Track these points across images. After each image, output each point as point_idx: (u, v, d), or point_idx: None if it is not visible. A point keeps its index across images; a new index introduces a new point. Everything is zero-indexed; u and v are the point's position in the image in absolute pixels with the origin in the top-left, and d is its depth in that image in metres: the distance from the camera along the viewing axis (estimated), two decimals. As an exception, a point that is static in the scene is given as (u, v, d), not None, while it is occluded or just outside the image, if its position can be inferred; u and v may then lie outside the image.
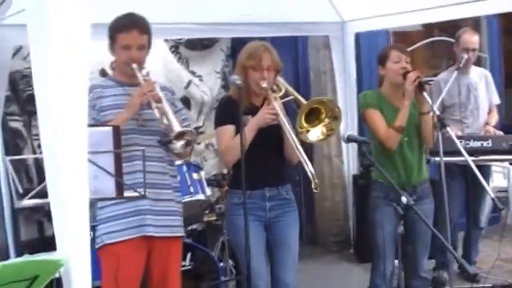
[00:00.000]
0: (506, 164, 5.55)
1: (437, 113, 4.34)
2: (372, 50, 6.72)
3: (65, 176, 2.41)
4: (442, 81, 5.70)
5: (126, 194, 3.21)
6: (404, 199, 3.51)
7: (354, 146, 6.31)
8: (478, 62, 6.62)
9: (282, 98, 4.01)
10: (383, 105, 4.45)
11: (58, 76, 2.38)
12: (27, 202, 4.48)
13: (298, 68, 7.47)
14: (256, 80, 3.89)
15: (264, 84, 3.87)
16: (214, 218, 5.59)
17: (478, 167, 4.37)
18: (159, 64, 6.38)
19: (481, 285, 5.54)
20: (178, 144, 3.61)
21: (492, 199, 4.30)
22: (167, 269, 3.79)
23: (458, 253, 5.90)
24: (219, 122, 4.02)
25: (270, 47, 3.98)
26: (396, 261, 4.43)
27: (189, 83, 6.77)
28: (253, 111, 3.94)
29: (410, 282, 4.50)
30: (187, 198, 5.00)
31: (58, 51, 2.37)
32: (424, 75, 4.34)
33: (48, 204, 2.52)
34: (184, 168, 5.12)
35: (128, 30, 3.65)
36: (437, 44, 7.93)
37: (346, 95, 6.84)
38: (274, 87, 4.01)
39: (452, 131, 4.80)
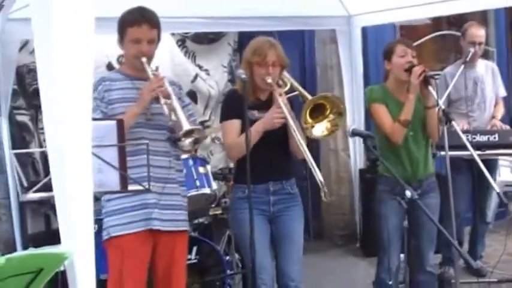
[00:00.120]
0: (513, 158, 5.54)
1: (443, 107, 4.33)
2: (379, 44, 6.68)
3: (69, 169, 2.43)
4: (448, 75, 5.69)
5: (131, 187, 3.21)
6: (408, 193, 3.50)
7: (360, 140, 6.23)
8: (485, 56, 6.60)
9: (287, 93, 4.01)
10: (388, 100, 4.44)
11: (62, 70, 2.40)
12: (32, 195, 4.49)
13: (304, 62, 7.47)
14: (261, 76, 3.89)
15: (269, 80, 3.87)
16: (220, 211, 5.60)
17: (485, 161, 4.36)
18: (166, 58, 6.38)
19: (487, 279, 5.53)
20: (187, 142, 3.63)
21: (497, 193, 4.29)
22: (172, 263, 3.80)
23: (464, 247, 5.91)
24: (225, 116, 4.02)
25: (276, 42, 3.99)
26: (402, 256, 4.44)
27: (196, 76, 6.77)
28: (259, 105, 3.96)
29: (416, 276, 4.50)
30: (193, 192, 4.99)
31: (62, 45, 2.39)
32: (433, 69, 4.34)
33: (54, 197, 2.53)
34: (191, 162, 5.11)
35: (139, 25, 3.65)
36: (446, 38, 7.90)
37: (352, 89, 6.83)
38: (280, 82, 4.02)
39: (458, 125, 4.78)
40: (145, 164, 3.38)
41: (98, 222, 3.98)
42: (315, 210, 7.25)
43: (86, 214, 2.45)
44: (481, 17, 7.73)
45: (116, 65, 5.82)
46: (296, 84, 4.07)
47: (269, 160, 3.93)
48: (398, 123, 4.30)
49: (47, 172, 5.40)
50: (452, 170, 4.42)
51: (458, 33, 5.95)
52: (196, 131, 3.63)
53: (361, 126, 6.50)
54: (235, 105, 3.89)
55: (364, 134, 3.95)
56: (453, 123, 4.24)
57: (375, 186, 4.57)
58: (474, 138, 5.14)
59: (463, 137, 4.28)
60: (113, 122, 3.17)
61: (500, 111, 5.84)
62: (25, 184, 4.87)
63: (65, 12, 2.37)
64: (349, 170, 7.09)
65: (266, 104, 3.96)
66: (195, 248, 4.93)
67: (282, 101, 3.83)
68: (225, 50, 7.10)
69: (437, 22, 7.82)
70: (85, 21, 2.43)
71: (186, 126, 3.53)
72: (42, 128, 5.80)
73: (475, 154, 4.19)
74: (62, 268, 2.49)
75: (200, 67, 6.90)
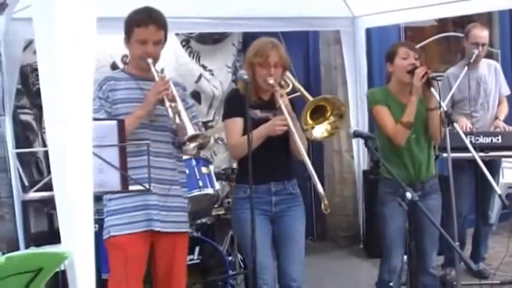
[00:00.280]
0: (517, 160, 5.53)
1: (445, 109, 4.32)
2: (383, 45, 6.65)
3: (70, 168, 2.43)
4: (451, 76, 5.68)
5: (132, 187, 3.22)
6: (409, 195, 3.50)
7: (364, 142, 6.30)
8: (490, 57, 6.58)
9: (289, 94, 4.02)
10: (390, 102, 4.43)
11: (64, 70, 2.40)
12: (33, 195, 4.49)
13: (309, 63, 7.47)
14: (263, 77, 3.90)
15: (271, 81, 3.88)
16: (223, 212, 5.61)
17: (488, 162, 4.35)
18: (170, 58, 6.38)
19: (490, 281, 5.54)
20: (191, 146, 3.64)
21: (499, 195, 4.29)
22: (173, 263, 3.81)
23: (467, 249, 5.90)
24: (228, 114, 4.04)
25: (278, 43, 3.99)
26: (405, 257, 4.43)
27: (200, 77, 6.78)
28: (261, 105, 3.98)
29: (418, 278, 4.49)
30: (196, 192, 5.00)
31: (64, 45, 2.39)
32: (438, 71, 4.33)
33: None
34: (193, 162, 5.11)
35: (146, 25, 3.65)
36: (451, 39, 7.90)
37: (356, 90, 6.83)
38: (282, 83, 4.02)
39: (462, 125, 4.77)
40: (147, 166, 3.37)
41: (100, 222, 3.99)
42: (318, 211, 7.24)
43: (86, 214, 2.46)
44: (486, 19, 7.72)
45: (120, 65, 5.80)
46: (298, 85, 4.08)
47: (271, 160, 3.94)
48: (401, 125, 4.29)
49: (50, 171, 5.41)
50: (456, 171, 4.42)
51: (462, 35, 5.95)
52: (201, 136, 3.64)
53: (365, 127, 6.50)
54: (237, 103, 3.89)
55: (365, 135, 3.94)
56: (455, 125, 4.24)
57: (378, 188, 4.56)
58: (477, 140, 5.15)
59: (465, 138, 4.27)
60: (114, 122, 3.18)
61: (504, 111, 5.82)
62: (26, 183, 4.88)
63: (67, 12, 2.37)
64: (353, 171, 7.09)
65: (268, 104, 3.98)
66: (197, 248, 4.94)
67: (283, 102, 3.84)
68: (229, 51, 7.10)
69: (443, 23, 7.81)
70: (87, 21, 2.43)
71: (191, 131, 3.54)
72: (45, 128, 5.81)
73: (477, 156, 4.18)
74: (62, 268, 2.50)
75: (204, 67, 6.90)
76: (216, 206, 5.58)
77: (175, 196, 3.81)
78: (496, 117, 5.73)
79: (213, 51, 6.99)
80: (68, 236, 2.47)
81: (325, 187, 7.14)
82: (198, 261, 4.92)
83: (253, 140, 3.66)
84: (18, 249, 4.95)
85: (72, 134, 2.42)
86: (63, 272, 2.60)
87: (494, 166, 5.39)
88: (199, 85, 6.77)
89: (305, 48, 7.46)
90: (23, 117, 5.80)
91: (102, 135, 3.07)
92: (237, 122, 3.95)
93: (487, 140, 5.24)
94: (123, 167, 3.11)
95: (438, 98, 4.21)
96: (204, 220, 5.46)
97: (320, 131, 3.94)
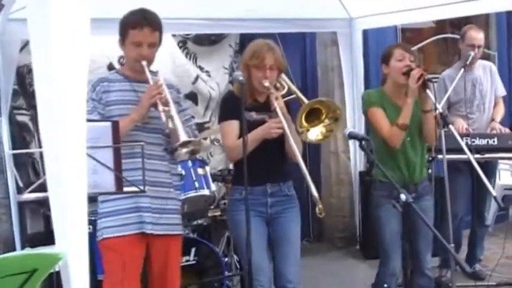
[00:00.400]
0: (513, 161, 5.53)
1: (440, 110, 4.32)
2: (380, 46, 6.64)
3: (64, 170, 2.44)
4: (446, 78, 5.68)
5: (126, 188, 3.22)
6: (403, 196, 3.50)
7: (361, 143, 6.31)
8: (486, 59, 6.58)
9: (285, 96, 4.03)
10: (386, 104, 4.43)
11: (58, 71, 2.41)
12: (28, 196, 4.50)
13: (306, 64, 7.47)
14: (258, 79, 3.90)
15: (266, 83, 3.88)
16: (219, 213, 5.61)
17: (484, 164, 4.35)
18: (167, 59, 6.37)
19: (486, 283, 5.54)
20: (183, 151, 3.63)
21: (494, 197, 4.29)
22: (167, 265, 3.82)
23: (463, 250, 5.90)
24: (224, 117, 4.04)
25: (274, 46, 3.99)
26: (402, 259, 4.44)
27: (197, 78, 6.77)
28: (257, 107, 3.99)
29: (414, 279, 4.49)
30: (192, 194, 5.01)
31: (59, 47, 2.39)
32: (435, 72, 4.33)
33: (50, 197, 2.55)
34: (190, 163, 5.11)
35: (141, 27, 3.65)
36: (448, 41, 7.90)
37: (353, 92, 6.84)
38: (278, 85, 4.03)
39: (458, 126, 4.76)
40: (141, 168, 3.35)
41: (94, 223, 3.98)
42: (314, 213, 7.23)
43: (80, 215, 2.46)
44: (483, 21, 7.73)
45: (117, 66, 5.82)
46: (293, 88, 4.09)
47: (267, 162, 3.94)
48: (397, 127, 4.29)
49: (46, 172, 5.42)
50: (452, 173, 4.42)
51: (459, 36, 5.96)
52: (193, 143, 3.64)
53: (361, 129, 6.50)
54: (233, 106, 3.88)
55: (359, 137, 3.94)
56: (450, 126, 4.24)
57: (372, 191, 4.56)
58: (473, 141, 5.15)
59: (460, 140, 4.28)
60: (108, 124, 3.18)
61: (500, 112, 5.82)
62: (21, 184, 4.88)
63: (62, 13, 2.38)
64: (350, 172, 7.09)
65: (264, 106, 3.98)
66: (193, 249, 4.94)
67: (278, 104, 3.84)
68: (226, 52, 7.09)
69: (441, 25, 7.80)
70: (81, 22, 2.44)
71: (183, 137, 3.54)
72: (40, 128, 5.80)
73: (472, 157, 4.18)
74: (56, 268, 2.49)
75: (201, 68, 6.90)
76: (212, 207, 5.57)
77: (168, 198, 3.81)
78: (492, 119, 5.74)
79: (210, 53, 6.98)
80: (62, 237, 2.48)
81: (322, 188, 7.15)
82: (194, 262, 4.92)
83: (249, 143, 3.66)
84: (14, 250, 4.94)
85: (66, 135, 2.43)
86: (58, 273, 2.59)
87: (490, 168, 5.39)
88: (196, 86, 6.76)
89: (302, 50, 7.46)
90: (20, 118, 5.79)
91: (96, 136, 3.07)
92: (233, 125, 3.95)
93: (483, 141, 5.23)
94: (118, 169, 3.11)
95: (434, 100, 4.21)
96: (200, 221, 5.46)
97: (315, 133, 3.95)
